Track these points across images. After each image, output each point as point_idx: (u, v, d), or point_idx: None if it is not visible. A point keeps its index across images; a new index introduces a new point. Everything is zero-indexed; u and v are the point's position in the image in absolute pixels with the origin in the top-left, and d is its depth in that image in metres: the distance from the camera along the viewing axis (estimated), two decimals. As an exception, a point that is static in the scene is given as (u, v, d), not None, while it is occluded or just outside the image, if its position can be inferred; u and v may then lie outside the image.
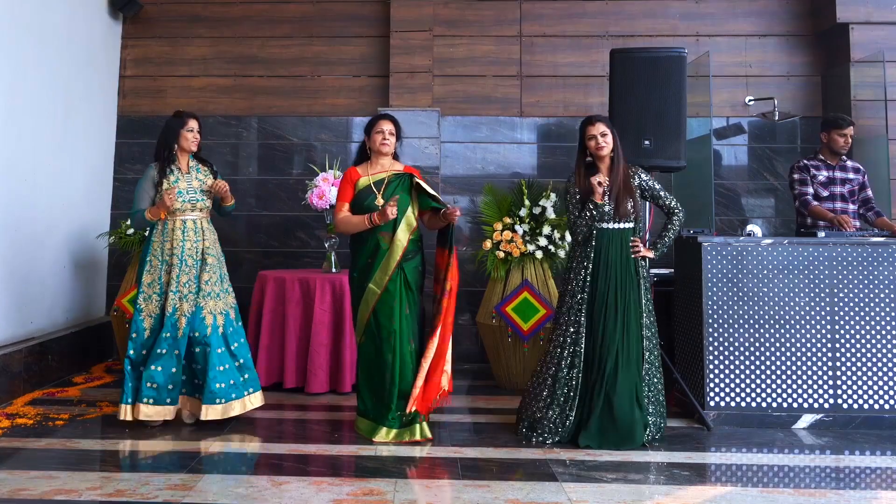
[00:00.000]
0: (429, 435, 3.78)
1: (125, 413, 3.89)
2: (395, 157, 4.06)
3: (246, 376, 4.08)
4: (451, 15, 6.21)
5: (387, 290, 3.82)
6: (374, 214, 3.81)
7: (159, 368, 3.88)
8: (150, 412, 3.87)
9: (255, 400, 4.10)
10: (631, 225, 3.85)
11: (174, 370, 3.91)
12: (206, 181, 4.14)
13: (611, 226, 3.83)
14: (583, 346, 3.76)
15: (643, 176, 3.94)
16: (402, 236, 3.84)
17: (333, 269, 5.14)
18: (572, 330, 3.79)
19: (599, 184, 3.78)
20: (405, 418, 3.78)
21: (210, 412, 3.90)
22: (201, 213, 4.11)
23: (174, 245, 4.00)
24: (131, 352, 3.95)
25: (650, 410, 3.76)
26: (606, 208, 3.80)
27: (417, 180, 3.92)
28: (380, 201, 3.85)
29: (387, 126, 3.95)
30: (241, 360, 4.09)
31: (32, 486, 3.05)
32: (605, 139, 3.84)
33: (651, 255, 3.87)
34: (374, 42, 6.21)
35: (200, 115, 6.00)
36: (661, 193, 3.96)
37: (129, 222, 5.17)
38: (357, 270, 3.92)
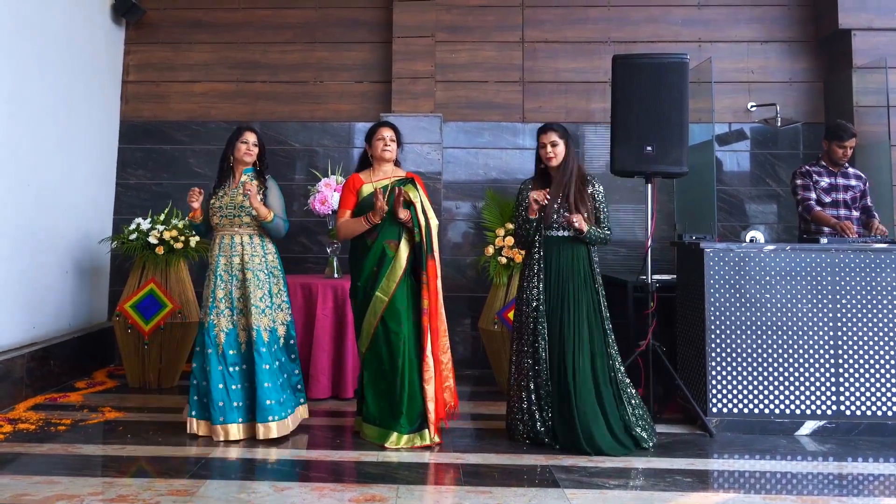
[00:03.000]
0: (437, 439, 3.79)
1: (191, 426, 3.91)
2: (397, 163, 4.09)
3: (285, 396, 3.97)
4: (453, 21, 6.22)
5: (395, 296, 3.83)
6: (369, 214, 3.84)
7: (220, 385, 3.87)
8: (202, 429, 3.89)
9: (289, 423, 3.96)
10: (576, 234, 3.86)
11: (221, 386, 3.87)
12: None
13: (560, 233, 3.85)
14: (545, 355, 3.78)
15: (598, 187, 3.95)
16: (407, 245, 3.88)
17: (335, 275, 5.14)
18: (532, 339, 3.82)
19: (536, 201, 3.77)
20: (416, 423, 3.80)
21: (263, 431, 3.82)
22: (241, 229, 4.03)
23: (212, 260, 4.02)
24: (194, 365, 3.96)
25: (632, 420, 3.76)
26: (557, 216, 3.81)
27: (413, 191, 3.93)
28: (385, 208, 3.86)
29: (387, 133, 3.99)
30: (279, 380, 3.98)
31: (34, 492, 3.05)
32: (555, 149, 3.88)
33: (584, 227, 3.76)
34: (377, 48, 6.23)
35: (202, 121, 6.14)
36: (603, 216, 3.92)
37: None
38: (361, 280, 3.92)
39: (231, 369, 3.92)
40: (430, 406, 3.78)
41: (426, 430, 3.78)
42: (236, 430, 3.85)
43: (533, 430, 3.78)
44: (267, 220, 3.99)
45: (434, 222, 3.94)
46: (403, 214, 3.84)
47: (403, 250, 3.87)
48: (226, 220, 4.02)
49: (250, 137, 4.10)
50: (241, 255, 4.01)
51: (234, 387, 3.90)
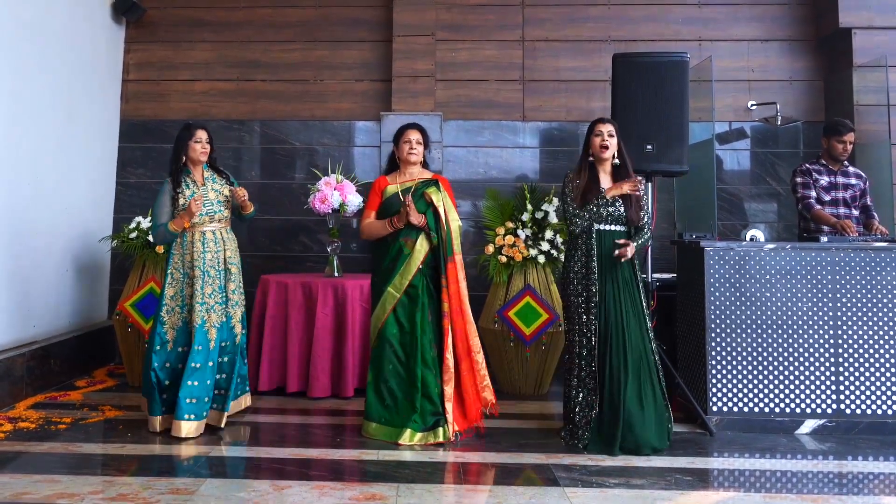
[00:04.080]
0: (452, 437, 3.80)
1: (156, 425, 3.91)
2: (425, 165, 4.14)
3: (246, 384, 4.26)
4: (453, 19, 6.22)
5: (408, 294, 3.88)
6: (393, 218, 3.88)
7: (196, 383, 3.88)
8: (191, 429, 3.85)
9: (246, 401, 4.24)
10: (625, 228, 3.89)
11: (209, 382, 3.93)
12: (223, 191, 4.14)
13: (608, 227, 3.86)
14: (596, 346, 3.77)
15: (641, 186, 3.94)
16: (425, 243, 3.91)
17: (336, 274, 5.14)
18: (589, 330, 3.79)
19: (629, 189, 3.80)
20: (430, 421, 3.81)
21: (224, 419, 3.99)
22: (220, 224, 4.10)
23: (195, 257, 3.99)
24: (156, 364, 3.93)
25: (665, 414, 3.78)
26: (611, 208, 3.81)
27: (436, 194, 3.94)
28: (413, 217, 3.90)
29: (414, 135, 4.03)
30: (245, 371, 4.22)
31: (35, 490, 3.05)
32: (611, 140, 3.88)
33: (633, 245, 3.80)
34: (377, 46, 6.22)
35: (203, 120, 6.13)
36: (643, 212, 3.93)
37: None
38: (377, 274, 3.99)
39: (219, 362, 4.00)
40: (448, 406, 3.79)
41: (440, 429, 3.79)
42: (212, 421, 4.00)
43: (590, 427, 3.76)
44: (251, 212, 4.22)
45: (456, 224, 3.97)
46: (416, 219, 3.87)
47: (420, 249, 3.89)
48: (206, 217, 4.04)
49: (202, 135, 4.10)
50: (224, 249, 4.09)
51: (219, 378, 4.00)
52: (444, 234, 3.90)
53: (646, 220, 3.95)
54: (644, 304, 3.86)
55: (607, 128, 3.90)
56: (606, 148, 3.88)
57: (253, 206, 4.23)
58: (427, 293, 3.92)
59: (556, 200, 5.16)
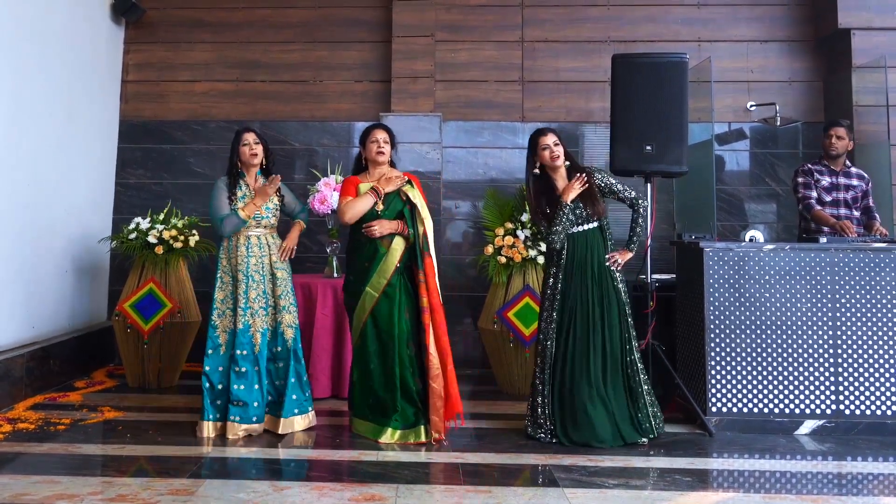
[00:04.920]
0: (436, 436, 3.81)
1: (207, 430, 3.90)
2: (392, 164, 4.12)
3: (307, 393, 4.10)
4: (452, 20, 6.22)
5: (386, 294, 3.87)
6: (377, 186, 3.89)
7: (242, 387, 3.91)
8: (238, 430, 3.87)
9: (312, 418, 4.11)
10: (596, 224, 3.93)
11: (256, 386, 3.94)
12: (274, 198, 4.15)
13: (579, 229, 3.91)
14: (561, 347, 3.85)
15: (597, 174, 4.01)
16: (401, 243, 3.91)
17: (335, 274, 5.14)
18: (551, 332, 3.88)
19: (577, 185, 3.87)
20: (410, 420, 3.83)
21: (284, 425, 3.96)
22: (266, 230, 4.12)
23: (239, 261, 4.02)
24: (207, 368, 3.95)
25: (640, 405, 3.83)
26: (577, 211, 3.88)
27: (412, 191, 3.96)
28: (380, 207, 3.90)
29: (381, 135, 4.02)
30: (305, 377, 4.11)
31: (34, 491, 3.05)
32: (557, 148, 3.93)
33: (629, 255, 3.95)
34: (376, 47, 6.23)
35: (203, 121, 6.14)
36: (619, 187, 4.01)
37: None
38: (353, 274, 3.97)
39: (266, 368, 3.99)
40: (439, 403, 3.79)
41: (421, 427, 3.82)
42: (262, 426, 3.97)
43: (552, 427, 3.83)
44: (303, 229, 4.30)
45: (429, 221, 3.97)
46: (390, 226, 3.88)
47: (396, 248, 3.89)
48: (253, 221, 4.06)
49: (249, 137, 4.12)
50: (269, 255, 4.09)
51: (266, 385, 4.00)
52: (422, 233, 3.90)
53: (633, 195, 4.02)
54: (625, 297, 3.91)
55: (552, 139, 3.95)
56: (557, 157, 3.93)
57: (304, 225, 4.32)
58: (405, 292, 3.92)
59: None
